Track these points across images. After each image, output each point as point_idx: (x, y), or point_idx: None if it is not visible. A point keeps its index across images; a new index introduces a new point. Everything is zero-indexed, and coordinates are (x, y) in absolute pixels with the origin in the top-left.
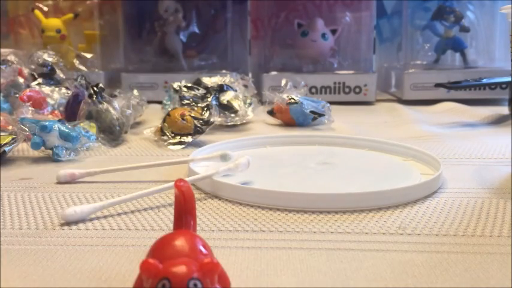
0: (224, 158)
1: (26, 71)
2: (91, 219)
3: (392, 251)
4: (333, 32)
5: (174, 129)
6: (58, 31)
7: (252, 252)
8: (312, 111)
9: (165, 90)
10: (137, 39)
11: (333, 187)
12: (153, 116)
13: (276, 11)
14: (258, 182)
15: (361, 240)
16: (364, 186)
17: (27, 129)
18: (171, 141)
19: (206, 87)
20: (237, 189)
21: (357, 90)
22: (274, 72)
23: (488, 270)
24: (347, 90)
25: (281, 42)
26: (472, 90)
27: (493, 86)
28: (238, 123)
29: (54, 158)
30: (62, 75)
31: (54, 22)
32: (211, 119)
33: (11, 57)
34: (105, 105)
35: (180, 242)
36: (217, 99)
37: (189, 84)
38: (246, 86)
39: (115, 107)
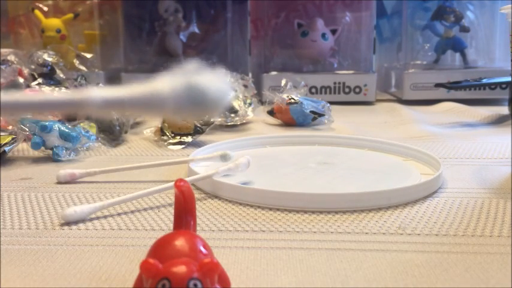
0: (224, 158)
1: (26, 71)
2: (91, 219)
3: (392, 251)
4: (333, 32)
5: (174, 129)
6: (58, 31)
7: (252, 252)
8: (312, 111)
9: None
10: (137, 39)
11: (333, 187)
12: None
13: (276, 11)
14: (258, 182)
15: (361, 240)
16: (364, 186)
17: (27, 129)
18: (171, 141)
19: None
20: (237, 189)
21: (357, 90)
22: (274, 72)
23: (488, 270)
24: (347, 90)
25: (281, 42)
26: (472, 90)
27: (493, 86)
28: (238, 123)
29: (54, 158)
30: (62, 75)
31: (54, 22)
32: (211, 119)
33: (11, 57)
34: None
35: (180, 242)
36: None
37: None
38: (246, 86)
39: None
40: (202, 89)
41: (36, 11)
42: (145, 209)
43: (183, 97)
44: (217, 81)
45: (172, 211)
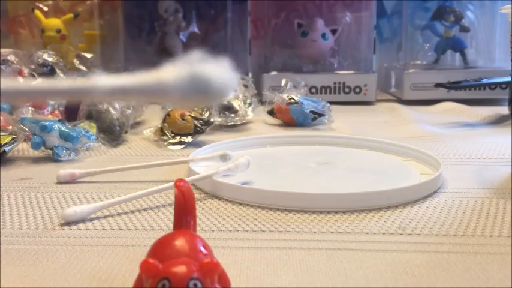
0: (224, 158)
1: (26, 71)
2: (91, 219)
3: (392, 251)
4: (333, 32)
5: (174, 129)
6: (58, 31)
7: (252, 252)
8: (312, 111)
9: None
10: (137, 39)
11: (333, 187)
12: (153, 116)
13: (276, 11)
14: (258, 182)
15: (361, 240)
16: (364, 186)
17: (27, 129)
18: (171, 141)
19: None
20: (237, 189)
21: (357, 90)
22: (274, 72)
23: (488, 270)
24: (347, 90)
25: (281, 42)
26: (472, 90)
27: (493, 86)
28: (238, 123)
29: (54, 158)
30: (62, 75)
31: (54, 22)
32: (211, 119)
33: (11, 57)
34: (105, 105)
35: (180, 242)
36: None
37: None
38: (246, 86)
39: (115, 107)
40: (207, 77)
41: (36, 11)
42: (145, 209)
43: (187, 85)
44: (221, 70)
45: (172, 211)
